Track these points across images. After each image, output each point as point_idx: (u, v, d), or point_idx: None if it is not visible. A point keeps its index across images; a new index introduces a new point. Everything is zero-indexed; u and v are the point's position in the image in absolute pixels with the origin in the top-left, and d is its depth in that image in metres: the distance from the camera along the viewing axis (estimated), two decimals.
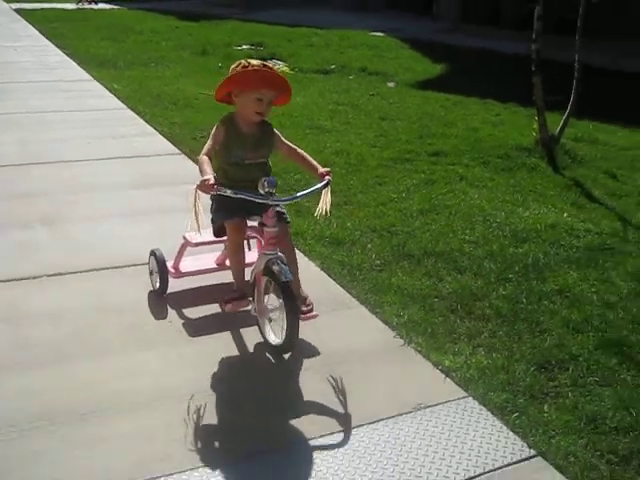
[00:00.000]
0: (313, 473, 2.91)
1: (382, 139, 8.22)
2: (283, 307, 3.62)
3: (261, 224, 3.79)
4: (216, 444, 3.09)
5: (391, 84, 12.29)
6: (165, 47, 15.58)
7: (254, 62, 3.83)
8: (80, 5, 24.49)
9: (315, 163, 4.00)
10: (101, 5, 25.16)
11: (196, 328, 4.01)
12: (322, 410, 3.33)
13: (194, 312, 4.20)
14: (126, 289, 4.44)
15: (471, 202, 6.11)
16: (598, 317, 4.27)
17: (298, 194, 3.86)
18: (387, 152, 7.63)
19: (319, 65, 13.74)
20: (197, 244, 4.25)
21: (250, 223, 3.95)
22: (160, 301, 4.27)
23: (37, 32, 17.59)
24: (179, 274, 4.32)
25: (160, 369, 3.62)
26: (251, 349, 3.86)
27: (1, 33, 17.41)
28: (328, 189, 3.85)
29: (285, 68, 13.50)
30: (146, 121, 8.66)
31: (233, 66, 3.88)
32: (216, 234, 4.03)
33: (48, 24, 18.47)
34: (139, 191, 6.18)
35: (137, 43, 15.98)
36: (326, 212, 3.83)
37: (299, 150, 4.09)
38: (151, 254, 4.37)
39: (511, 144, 7.99)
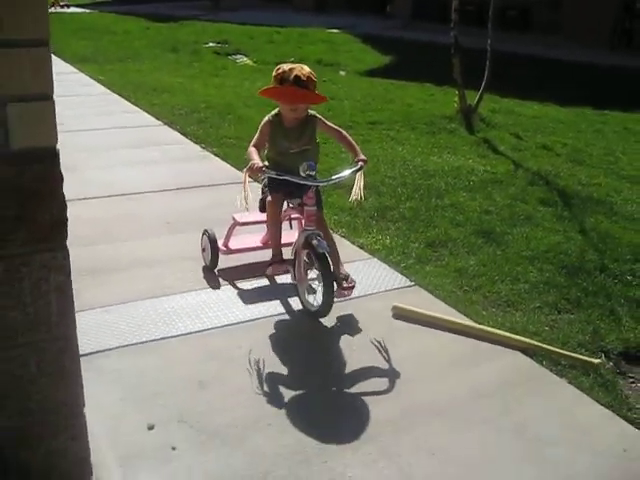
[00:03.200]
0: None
1: (329, 113, 9.78)
2: (320, 276, 4.09)
3: (301, 204, 4.21)
4: (205, 278, 4.69)
5: (342, 72, 13.92)
6: (139, 45, 17.09)
7: (290, 73, 4.13)
8: (53, 9, 25.80)
9: (357, 147, 4.35)
10: (73, 9, 26.55)
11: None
12: None
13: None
14: (133, 208, 6.03)
15: (395, 153, 7.79)
16: (476, 218, 5.96)
17: (333, 177, 4.19)
18: (332, 122, 9.18)
19: (279, 58, 15.19)
20: (244, 223, 4.80)
21: (293, 205, 4.45)
22: (160, 212, 5.83)
23: None
24: (229, 251, 4.80)
25: (167, 247, 5.22)
26: None
27: None
28: (362, 177, 4.22)
29: (248, 61, 15.07)
30: (131, 102, 10.25)
31: (274, 73, 4.24)
32: (261, 209, 4.49)
33: None
34: (132, 150, 7.78)
35: (113, 42, 17.47)
36: (360, 197, 4.23)
37: (343, 132, 4.45)
38: (203, 233, 4.84)
39: (437, 114, 9.69)
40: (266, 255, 4.73)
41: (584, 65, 15.66)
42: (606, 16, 19.46)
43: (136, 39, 18.24)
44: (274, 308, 4.43)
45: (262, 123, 4.30)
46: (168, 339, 4.00)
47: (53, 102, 2.19)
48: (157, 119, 9.22)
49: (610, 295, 4.87)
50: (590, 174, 7.56)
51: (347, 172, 4.19)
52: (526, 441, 3.39)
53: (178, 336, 4.03)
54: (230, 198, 6.06)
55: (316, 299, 4.21)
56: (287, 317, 4.35)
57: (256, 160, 4.03)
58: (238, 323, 4.22)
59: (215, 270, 4.83)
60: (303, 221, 4.33)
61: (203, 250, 4.88)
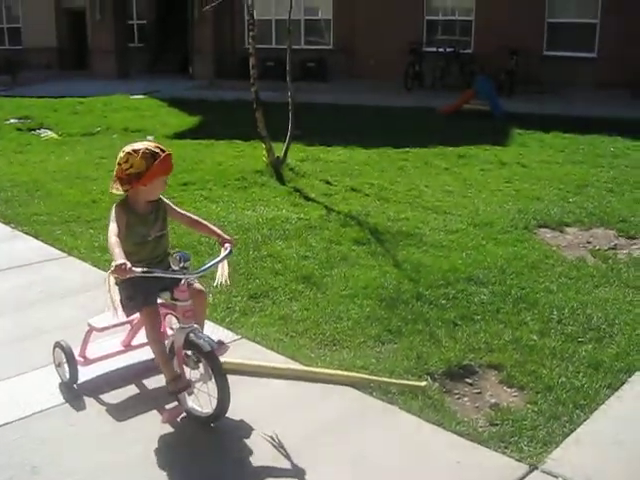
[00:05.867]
0: None
1: None
2: (211, 375, 3.79)
3: (173, 299, 3.89)
4: (25, 363, 4.52)
5: (150, 138, 13.88)
6: None
7: (151, 147, 3.87)
8: None
9: (216, 229, 4.17)
10: None
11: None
12: None
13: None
14: None
15: (210, 212, 7.85)
16: (295, 265, 6.14)
17: (206, 265, 4.00)
18: None
19: (84, 129, 15.00)
20: (103, 329, 4.28)
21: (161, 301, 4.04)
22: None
23: None
24: (88, 361, 4.28)
25: None
26: None
27: None
28: (226, 260, 4.03)
29: (53, 135, 14.73)
30: None
31: (129, 159, 3.85)
32: (127, 312, 4.05)
33: None
34: None
35: None
36: (226, 281, 4.04)
37: (195, 217, 4.23)
38: (56, 346, 4.30)
39: (248, 169, 9.88)
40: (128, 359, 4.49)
41: (382, 108, 16.49)
42: (398, 60, 20.60)
43: None
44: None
45: (114, 212, 3.88)
46: None
47: None
48: None
49: (428, 320, 5.15)
50: (398, 209, 7.96)
51: (218, 258, 4.01)
52: (366, 471, 3.53)
53: (3, 425, 3.87)
54: (46, 276, 5.97)
55: (202, 403, 3.93)
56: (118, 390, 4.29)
57: (122, 259, 3.56)
58: (64, 403, 4.11)
59: (74, 385, 4.31)
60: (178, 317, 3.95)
61: (58, 365, 4.33)
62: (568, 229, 7.54)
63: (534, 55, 19.85)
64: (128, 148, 3.90)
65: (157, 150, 3.85)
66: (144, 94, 20.80)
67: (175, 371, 3.93)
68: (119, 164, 3.89)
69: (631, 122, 13.99)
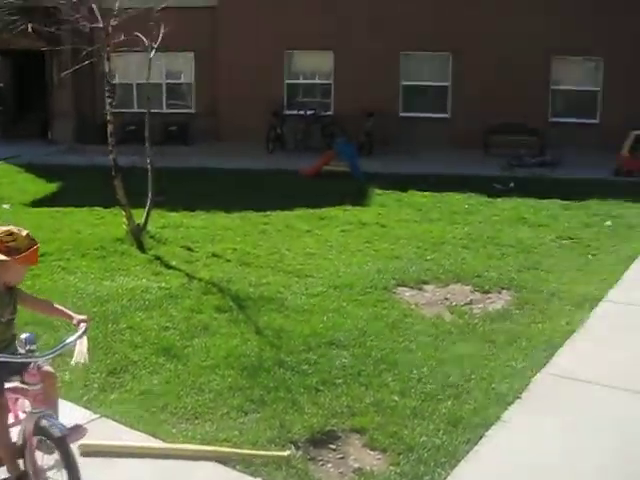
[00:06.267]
0: None
1: None
2: (62, 462, 3.62)
3: (24, 382, 3.76)
4: None
5: (6, 206, 13.41)
6: None
7: (26, 233, 3.83)
8: None
9: (68, 311, 4.05)
10: None
11: None
12: None
13: None
14: None
15: (67, 284, 7.63)
16: (155, 337, 6.05)
17: (58, 347, 3.84)
18: None
19: None
20: None
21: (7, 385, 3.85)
22: None
23: None
24: None
25: None
26: None
27: None
28: (84, 337, 3.87)
29: None
30: None
31: (13, 234, 3.77)
32: None
33: None
34: None
35: None
36: (84, 360, 3.88)
37: (46, 301, 4.23)
38: None
39: (107, 238, 9.67)
40: None
41: (245, 171, 16.52)
42: (260, 123, 20.83)
43: None
44: None
45: None
46: None
47: None
48: None
49: (290, 387, 5.17)
50: (259, 274, 7.99)
51: (72, 338, 3.84)
52: None
53: None
54: None
55: None
56: None
57: None
58: None
59: None
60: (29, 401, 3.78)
61: None
62: (426, 287, 7.77)
63: (391, 116, 20.54)
64: (10, 226, 3.83)
65: (34, 239, 3.84)
66: (0, 160, 20.12)
67: (19, 470, 3.77)
68: None
69: (483, 179, 14.70)
